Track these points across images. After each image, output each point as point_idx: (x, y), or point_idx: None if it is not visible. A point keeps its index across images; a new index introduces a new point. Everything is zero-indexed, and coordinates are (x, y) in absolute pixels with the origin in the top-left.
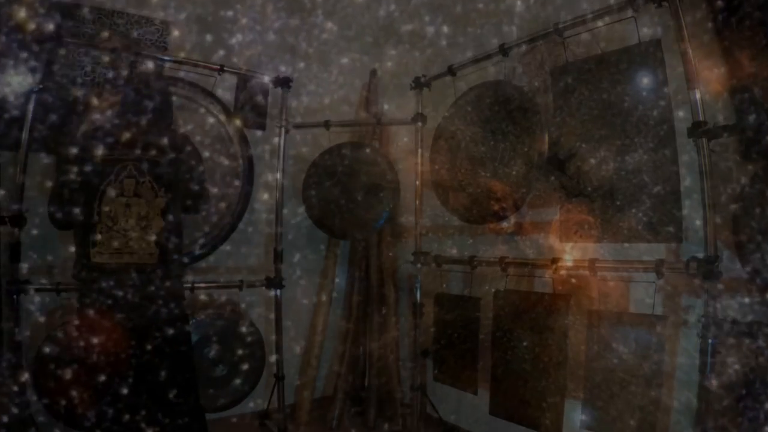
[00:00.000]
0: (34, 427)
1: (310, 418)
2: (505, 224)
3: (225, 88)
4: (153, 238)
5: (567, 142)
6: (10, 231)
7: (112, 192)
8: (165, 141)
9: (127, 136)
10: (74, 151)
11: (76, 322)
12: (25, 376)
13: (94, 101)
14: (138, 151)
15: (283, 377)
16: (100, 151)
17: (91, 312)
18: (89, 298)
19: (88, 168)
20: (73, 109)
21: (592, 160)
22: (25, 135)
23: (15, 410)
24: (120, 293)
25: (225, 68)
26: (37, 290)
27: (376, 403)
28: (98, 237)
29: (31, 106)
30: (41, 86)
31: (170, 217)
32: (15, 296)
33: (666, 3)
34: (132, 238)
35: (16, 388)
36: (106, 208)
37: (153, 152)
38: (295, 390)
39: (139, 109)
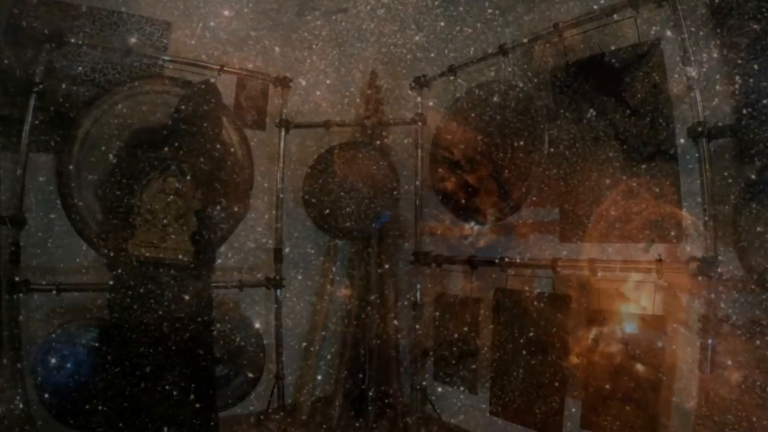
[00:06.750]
0: (35, 427)
1: (310, 418)
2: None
3: (225, 88)
4: (189, 236)
5: None
6: (10, 231)
7: (154, 187)
8: (209, 148)
9: (176, 138)
10: (122, 145)
11: (107, 315)
12: (26, 376)
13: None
14: (184, 154)
15: (283, 377)
16: (147, 147)
17: (122, 306)
18: (121, 289)
19: (134, 162)
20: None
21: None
22: (25, 135)
23: (15, 410)
24: (152, 288)
25: (225, 68)
26: (37, 290)
27: (376, 403)
28: (137, 229)
29: (31, 106)
30: (41, 86)
31: (205, 218)
32: (15, 296)
33: (666, 3)
34: (169, 234)
35: (16, 388)
36: (148, 202)
37: (197, 156)
38: (295, 390)
39: (192, 119)
